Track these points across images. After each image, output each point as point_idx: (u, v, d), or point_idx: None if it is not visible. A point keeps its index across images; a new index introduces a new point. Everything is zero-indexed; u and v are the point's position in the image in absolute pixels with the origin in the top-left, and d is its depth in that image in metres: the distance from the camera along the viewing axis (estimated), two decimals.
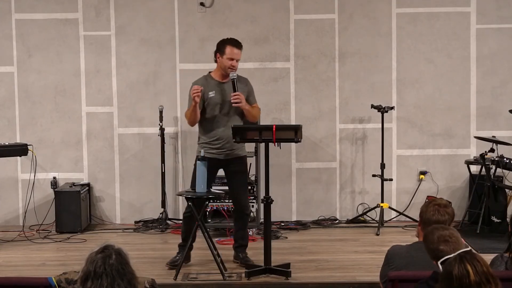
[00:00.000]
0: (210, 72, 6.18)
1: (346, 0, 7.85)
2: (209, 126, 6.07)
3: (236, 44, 6.09)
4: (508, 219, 7.34)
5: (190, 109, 5.96)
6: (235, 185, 6.18)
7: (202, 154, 5.89)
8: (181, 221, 7.79)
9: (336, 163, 7.96)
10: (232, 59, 6.02)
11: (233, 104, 5.96)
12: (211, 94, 6.04)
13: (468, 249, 3.19)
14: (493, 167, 7.14)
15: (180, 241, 6.22)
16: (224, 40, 6.16)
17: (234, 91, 5.95)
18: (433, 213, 3.98)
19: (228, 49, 6.04)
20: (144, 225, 7.75)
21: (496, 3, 7.83)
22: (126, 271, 2.99)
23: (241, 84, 6.09)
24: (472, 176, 7.64)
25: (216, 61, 6.13)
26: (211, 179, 6.09)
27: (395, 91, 7.92)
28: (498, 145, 7.12)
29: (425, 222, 4.01)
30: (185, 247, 6.01)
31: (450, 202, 4.19)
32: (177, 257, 6.10)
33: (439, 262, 3.07)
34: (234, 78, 5.98)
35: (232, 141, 5.98)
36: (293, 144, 7.70)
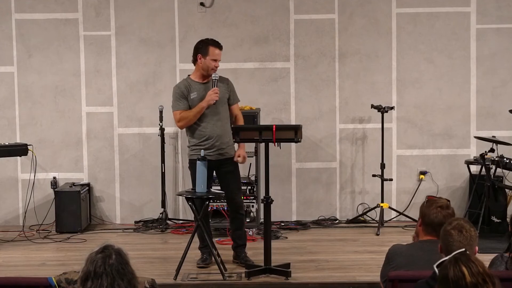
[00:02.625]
0: (189, 75, 6.20)
1: (346, 0, 7.85)
2: (197, 127, 6.08)
3: (218, 45, 6.12)
4: (508, 219, 7.35)
5: (196, 110, 5.99)
6: (229, 185, 6.18)
7: (202, 154, 5.89)
8: (181, 221, 7.84)
9: (336, 163, 7.96)
10: (215, 60, 6.05)
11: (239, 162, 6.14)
12: (193, 95, 6.06)
13: (462, 250, 3.19)
14: (493, 167, 7.13)
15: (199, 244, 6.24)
16: (205, 41, 6.17)
17: (213, 87, 6.00)
18: (436, 215, 3.97)
19: (211, 50, 6.06)
20: (144, 225, 7.75)
21: (496, 3, 7.83)
22: (126, 271, 2.98)
23: (222, 83, 6.13)
24: (472, 176, 7.63)
25: (195, 62, 6.14)
26: (209, 182, 6.09)
27: (395, 91, 7.92)
28: (498, 145, 7.12)
29: (427, 224, 4.01)
30: (208, 247, 6.07)
31: (448, 200, 4.20)
32: (205, 256, 6.15)
33: (434, 266, 3.07)
34: (215, 79, 6.02)
35: (222, 140, 6.04)
36: (293, 144, 7.69)
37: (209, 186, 6.02)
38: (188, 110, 6.05)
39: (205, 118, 6.05)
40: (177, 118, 6.10)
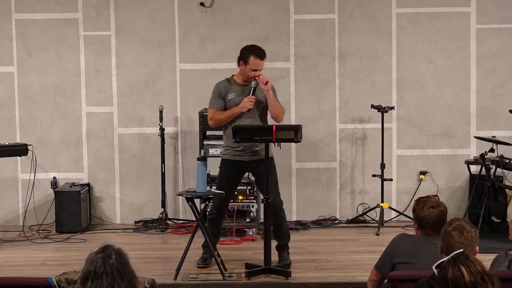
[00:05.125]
0: (233, 75, 6.20)
1: (346, 0, 7.85)
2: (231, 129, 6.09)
3: (259, 54, 6.02)
4: (508, 219, 7.36)
5: (228, 114, 6.02)
6: (263, 187, 6.15)
7: (202, 154, 5.89)
8: (181, 221, 7.84)
9: (336, 163, 7.96)
10: (255, 70, 6.01)
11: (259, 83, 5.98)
12: (231, 96, 6.08)
13: (461, 250, 3.19)
14: (493, 167, 7.14)
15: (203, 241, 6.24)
16: (249, 48, 6.08)
17: (252, 95, 6.01)
18: (430, 216, 4.02)
19: (251, 60, 6.00)
20: (144, 225, 7.75)
21: (496, 3, 7.83)
22: (126, 271, 2.99)
23: (258, 87, 6.08)
24: (472, 176, 7.63)
25: (238, 66, 6.11)
26: (237, 182, 6.12)
27: (395, 91, 7.92)
28: (498, 145, 7.12)
29: (424, 227, 4.05)
30: (209, 247, 6.07)
31: (436, 196, 4.24)
32: (206, 256, 6.16)
33: (433, 266, 3.08)
34: (254, 87, 6.01)
35: (255, 143, 6.00)
36: (293, 144, 7.69)
37: (236, 186, 6.01)
38: (222, 110, 6.08)
39: (240, 121, 6.06)
40: (209, 116, 6.16)
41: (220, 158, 6.31)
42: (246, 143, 6.01)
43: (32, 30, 7.86)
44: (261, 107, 6.14)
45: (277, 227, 6.20)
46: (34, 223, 7.69)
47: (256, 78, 6.00)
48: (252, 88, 6.02)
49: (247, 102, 5.98)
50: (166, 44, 7.89)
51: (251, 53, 6.02)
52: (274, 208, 6.14)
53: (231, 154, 6.06)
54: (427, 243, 3.91)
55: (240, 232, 7.17)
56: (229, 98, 6.08)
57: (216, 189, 6.20)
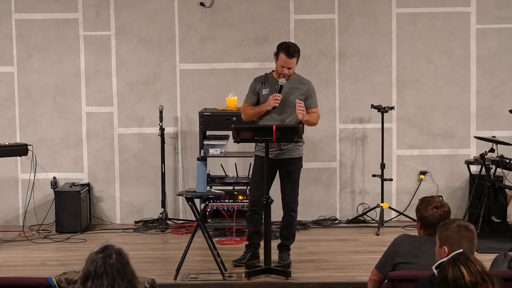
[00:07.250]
0: (272, 71, 6.21)
1: (346, 0, 7.85)
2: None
3: (288, 53, 5.98)
4: (508, 219, 7.36)
5: (256, 111, 6.06)
6: (283, 185, 6.17)
7: (202, 154, 5.89)
8: (181, 221, 7.84)
9: (336, 163, 7.96)
10: (283, 67, 6.01)
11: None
12: (265, 91, 6.09)
13: (461, 250, 3.20)
14: (493, 167, 7.14)
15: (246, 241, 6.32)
16: (282, 44, 6.08)
17: (278, 93, 5.98)
18: (433, 216, 4.03)
19: (281, 56, 6.00)
20: (144, 225, 7.75)
21: (496, 3, 7.83)
22: (127, 271, 2.99)
23: (297, 86, 6.10)
24: (472, 176, 7.63)
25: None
26: (272, 180, 6.07)
27: (395, 91, 7.92)
28: (498, 145, 7.12)
29: (427, 227, 4.06)
30: (252, 245, 6.15)
31: (441, 196, 4.24)
32: (244, 255, 6.19)
33: (433, 267, 3.08)
34: (281, 85, 5.99)
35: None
36: None
37: (270, 185, 5.96)
38: (253, 106, 6.11)
39: (269, 118, 6.06)
40: (241, 110, 6.24)
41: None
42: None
43: (32, 30, 7.86)
44: (293, 105, 6.07)
45: (285, 226, 6.23)
46: (34, 223, 7.68)
47: (283, 75, 6.00)
48: (279, 86, 6.00)
49: (272, 100, 5.97)
50: (166, 44, 7.89)
51: (282, 49, 6.03)
52: (287, 208, 6.18)
53: (261, 151, 6.03)
54: (429, 243, 3.91)
55: (240, 232, 7.17)
56: (263, 93, 6.10)
57: (250, 183, 6.33)
